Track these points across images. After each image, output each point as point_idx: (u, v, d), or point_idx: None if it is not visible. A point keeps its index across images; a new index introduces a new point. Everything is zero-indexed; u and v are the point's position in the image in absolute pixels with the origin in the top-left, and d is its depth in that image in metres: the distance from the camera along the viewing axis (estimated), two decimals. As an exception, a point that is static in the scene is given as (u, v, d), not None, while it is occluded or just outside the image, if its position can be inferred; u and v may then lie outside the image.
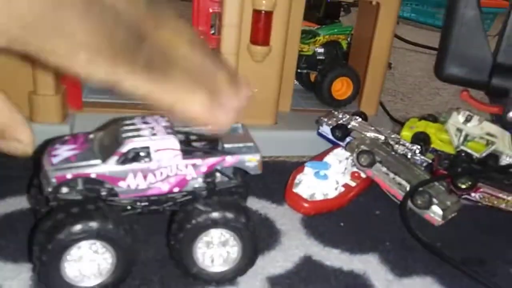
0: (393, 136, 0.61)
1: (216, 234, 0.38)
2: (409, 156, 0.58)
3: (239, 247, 0.39)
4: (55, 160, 0.36)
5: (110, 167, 0.36)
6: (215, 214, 0.37)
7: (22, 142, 0.28)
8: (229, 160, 0.39)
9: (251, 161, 0.39)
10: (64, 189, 0.36)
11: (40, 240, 0.35)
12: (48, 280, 0.35)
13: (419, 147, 0.59)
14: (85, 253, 0.35)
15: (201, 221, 0.37)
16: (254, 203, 0.52)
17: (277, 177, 0.56)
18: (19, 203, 0.47)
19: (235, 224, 0.37)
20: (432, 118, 0.66)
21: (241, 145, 0.40)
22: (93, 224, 0.34)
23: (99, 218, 0.35)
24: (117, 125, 0.37)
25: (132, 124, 0.37)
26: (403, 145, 0.59)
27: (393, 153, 0.57)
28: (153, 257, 0.42)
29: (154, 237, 0.44)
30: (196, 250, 0.38)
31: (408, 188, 0.53)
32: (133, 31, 0.30)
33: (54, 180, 0.35)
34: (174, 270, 0.40)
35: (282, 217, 0.51)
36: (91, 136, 0.38)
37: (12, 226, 0.44)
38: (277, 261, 0.44)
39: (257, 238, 0.39)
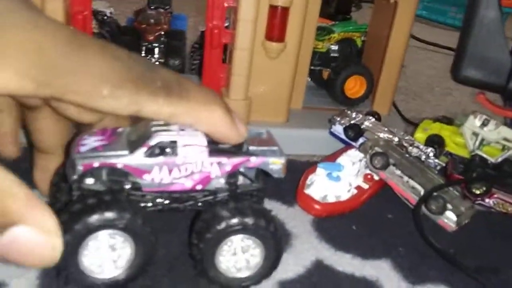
0: (407, 138, 0.59)
1: (242, 240, 0.37)
2: (422, 159, 0.57)
3: (262, 256, 0.38)
4: (82, 149, 0.36)
5: (137, 158, 0.35)
6: (247, 220, 0.36)
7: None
8: (254, 161, 0.38)
9: (275, 163, 0.39)
10: (89, 180, 0.36)
11: (65, 219, 0.34)
12: (64, 259, 0.34)
13: (433, 150, 0.58)
14: (102, 244, 0.35)
15: (232, 225, 0.36)
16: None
17: (287, 177, 0.55)
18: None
19: (264, 233, 0.37)
20: (447, 120, 0.65)
21: (265, 148, 0.39)
22: (126, 215, 0.34)
23: (131, 210, 0.34)
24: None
25: None
26: (417, 147, 0.58)
27: (407, 155, 0.56)
28: (164, 257, 0.41)
29: (165, 237, 0.42)
30: (219, 253, 0.37)
31: (422, 192, 0.52)
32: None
33: (80, 168, 0.35)
34: (184, 271, 0.40)
35: (293, 219, 0.50)
36: (120, 130, 0.38)
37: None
38: (288, 264, 0.43)
39: (281, 249, 0.39)
